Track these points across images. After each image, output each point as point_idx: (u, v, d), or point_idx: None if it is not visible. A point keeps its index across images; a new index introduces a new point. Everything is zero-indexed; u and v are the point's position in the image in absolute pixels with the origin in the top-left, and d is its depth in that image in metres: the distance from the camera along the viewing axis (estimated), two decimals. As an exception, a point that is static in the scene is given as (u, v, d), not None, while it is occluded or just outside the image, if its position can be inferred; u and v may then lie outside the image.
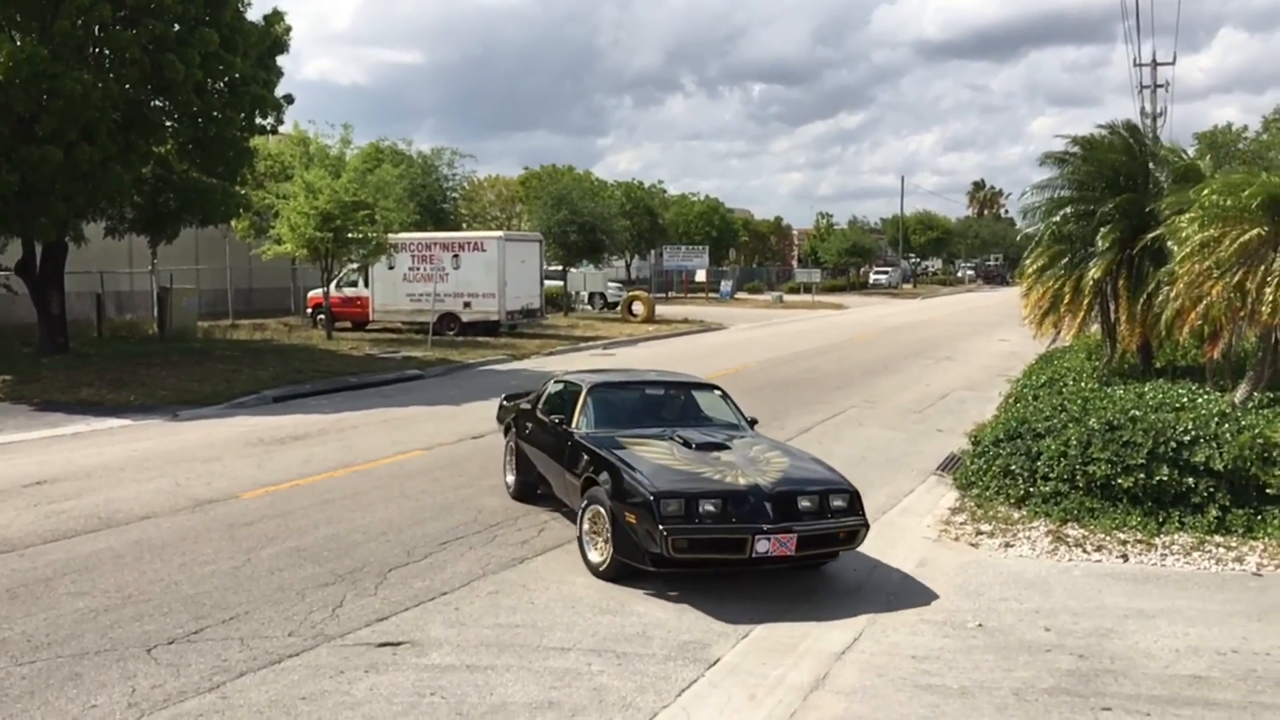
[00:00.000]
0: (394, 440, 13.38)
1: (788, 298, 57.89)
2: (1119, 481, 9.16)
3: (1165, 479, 9.03)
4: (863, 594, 7.70)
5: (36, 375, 18.10)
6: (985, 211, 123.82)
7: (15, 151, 16.99)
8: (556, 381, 10.21)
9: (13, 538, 8.58)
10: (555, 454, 9.01)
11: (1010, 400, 14.89)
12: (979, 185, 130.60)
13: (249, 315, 32.05)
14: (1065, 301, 14.19)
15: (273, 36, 21.16)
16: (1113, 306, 14.25)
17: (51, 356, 20.05)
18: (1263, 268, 10.73)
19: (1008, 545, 8.87)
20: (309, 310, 31.25)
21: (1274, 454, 8.93)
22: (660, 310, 40.21)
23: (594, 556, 7.83)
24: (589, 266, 45.43)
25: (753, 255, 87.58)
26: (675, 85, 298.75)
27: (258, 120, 21.34)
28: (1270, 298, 10.51)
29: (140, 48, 17.67)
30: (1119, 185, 14.09)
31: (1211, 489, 8.99)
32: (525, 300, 30.28)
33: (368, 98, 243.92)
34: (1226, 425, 9.32)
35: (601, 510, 7.68)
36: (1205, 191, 11.41)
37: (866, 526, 7.66)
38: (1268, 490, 8.88)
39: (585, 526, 7.95)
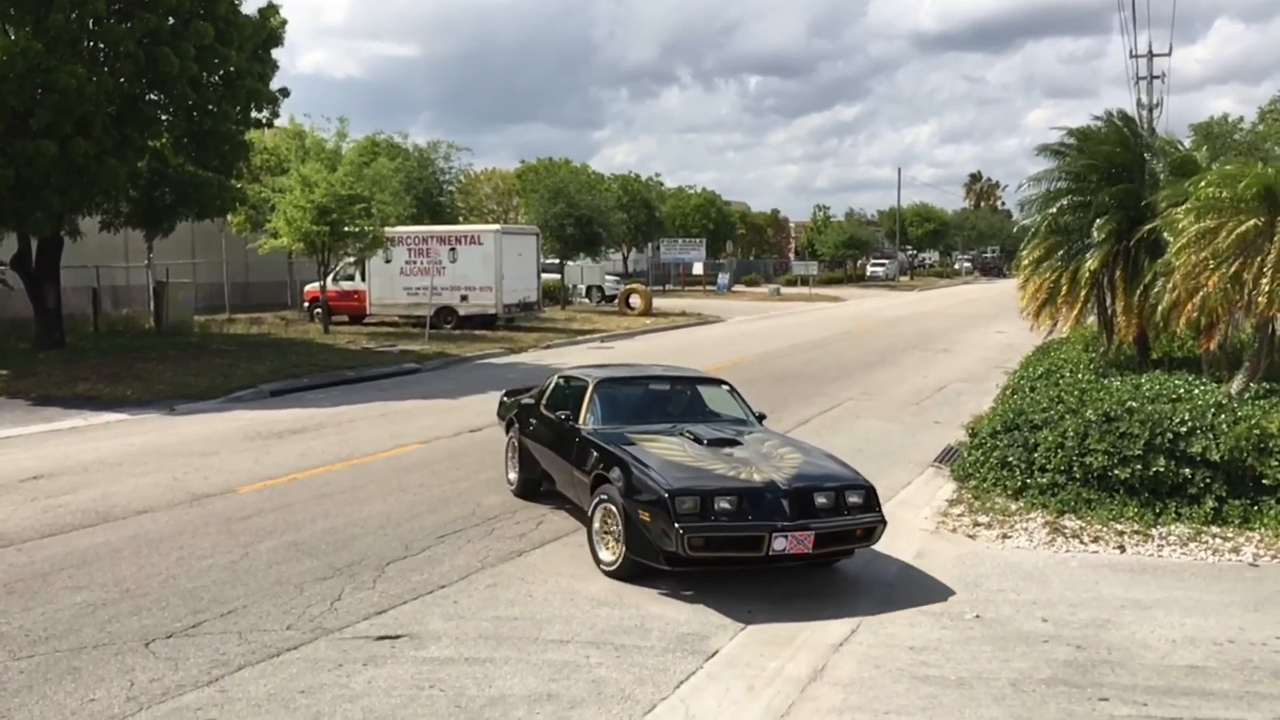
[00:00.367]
0: (391, 434, 13.38)
1: (785, 290, 57.90)
2: (1116, 473, 9.17)
3: (1162, 470, 9.04)
4: (860, 586, 7.71)
5: (33, 370, 18.07)
6: (982, 204, 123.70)
7: (10, 145, 16.94)
8: (560, 377, 10.04)
9: (10, 532, 8.57)
10: (562, 451, 8.86)
11: (1007, 392, 14.91)
12: (975, 177, 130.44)
13: (245, 309, 32.00)
14: (1062, 293, 14.19)
15: (268, 30, 21.13)
16: (1109, 298, 14.25)
17: (48, 351, 20.01)
18: (1259, 258, 10.74)
19: (1005, 537, 8.88)
20: (306, 304, 31.21)
21: (1270, 444, 8.95)
22: (657, 303, 40.20)
23: (605, 555, 7.67)
24: (586, 260, 45.43)
25: (750, 248, 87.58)
26: (671, 78, 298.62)
27: (253, 114, 21.32)
28: (1266, 288, 10.52)
29: (135, 41, 17.63)
30: (1115, 176, 14.09)
31: (1208, 480, 9.00)
32: (522, 293, 30.25)
33: (363, 91, 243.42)
34: (1223, 416, 9.33)
35: (613, 508, 7.53)
36: (1201, 184, 11.41)
37: (884, 523, 7.52)
38: (1264, 481, 8.90)
39: (596, 525, 7.78)
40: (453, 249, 29.31)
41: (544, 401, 9.83)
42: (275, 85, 21.80)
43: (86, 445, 12.48)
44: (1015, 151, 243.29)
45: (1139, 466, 9.09)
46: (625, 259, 58.79)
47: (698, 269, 58.91)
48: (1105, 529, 8.83)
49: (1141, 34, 51.80)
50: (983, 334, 29.75)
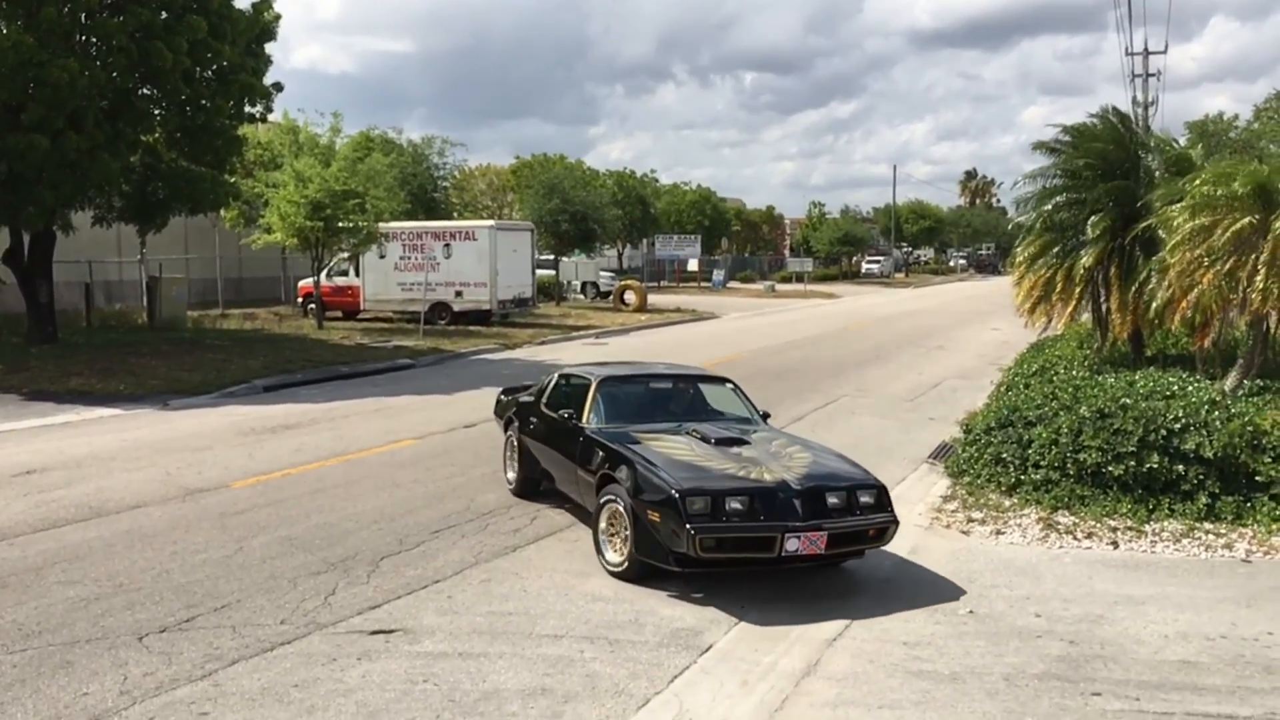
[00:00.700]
0: (386, 429, 13.36)
1: (780, 287, 57.89)
2: (1110, 469, 9.19)
3: (1155, 466, 9.06)
4: (855, 581, 7.72)
5: (25, 365, 18.02)
6: (977, 201, 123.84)
7: (1, 140, 16.88)
8: (560, 375, 9.89)
9: (2, 527, 8.55)
10: (565, 450, 8.71)
11: (1002, 388, 14.93)
12: (971, 174, 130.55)
13: (239, 305, 31.93)
14: (1057, 290, 14.22)
15: (261, 24, 21.06)
16: (1104, 295, 14.29)
17: (40, 346, 19.96)
18: (1254, 256, 10.77)
19: (999, 533, 8.90)
20: (299, 300, 31.16)
21: (1263, 441, 8.98)
22: (652, 299, 40.19)
23: (612, 556, 7.54)
24: (581, 256, 45.38)
25: (745, 244, 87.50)
26: (667, 74, 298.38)
27: (246, 108, 21.27)
28: (1260, 285, 10.55)
29: (127, 35, 17.57)
30: (1109, 174, 14.11)
31: (1201, 476, 9.02)
32: (517, 289, 30.22)
33: (357, 86, 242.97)
34: (1216, 413, 9.36)
35: (620, 508, 7.41)
36: (1197, 181, 11.44)
37: (896, 523, 7.44)
38: (1257, 477, 8.93)
39: (602, 525, 7.66)
40: (447, 245, 29.26)
41: (544, 400, 9.68)
42: (269, 80, 21.75)
43: (79, 440, 12.45)
44: (1011, 149, 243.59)
45: (1133, 463, 9.11)
46: (620, 255, 58.77)
47: (693, 265, 58.93)
48: (1099, 525, 8.85)
49: (1137, 31, 52.12)
50: (978, 331, 29.80)
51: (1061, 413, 9.86)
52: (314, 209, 24.04)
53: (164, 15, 18.22)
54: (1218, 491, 8.98)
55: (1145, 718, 5.39)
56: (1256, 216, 10.85)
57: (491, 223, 31.23)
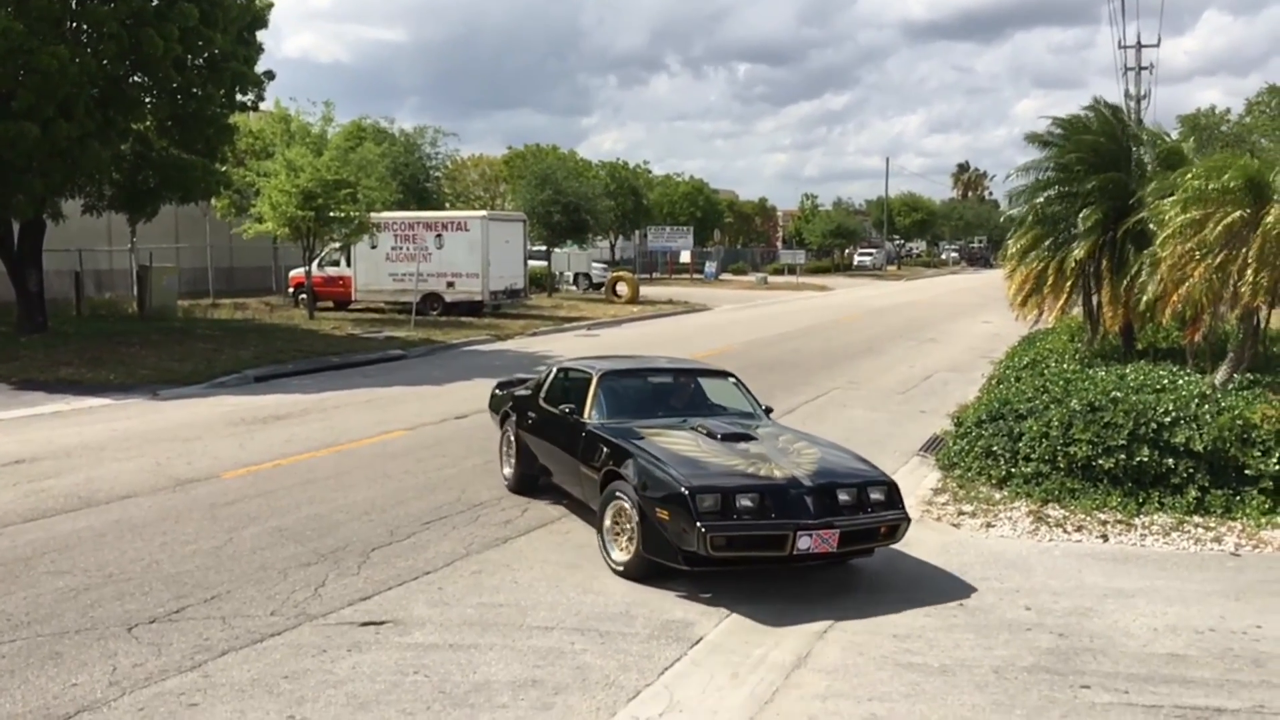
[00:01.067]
0: (377, 420, 13.34)
1: (772, 279, 57.92)
2: (1100, 462, 9.22)
3: (1145, 460, 9.09)
4: (845, 574, 7.73)
5: (15, 354, 17.93)
6: (969, 194, 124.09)
7: (-9, 127, 16.78)
8: (559, 369, 9.71)
9: (-9, 517, 8.52)
10: (566, 446, 8.55)
11: (993, 381, 14.97)
12: (963, 167, 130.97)
13: (230, 294, 31.81)
14: (1048, 283, 14.23)
15: (253, 12, 20.95)
16: (1095, 288, 14.31)
17: (30, 335, 19.85)
18: (1244, 249, 10.79)
19: (989, 525, 8.92)
20: (291, 289, 31.04)
21: (1253, 435, 9.01)
22: (645, 291, 40.18)
23: (617, 555, 7.37)
24: (573, 247, 45.30)
25: (737, 236, 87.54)
26: (660, 65, 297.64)
27: (238, 97, 21.18)
28: (1251, 279, 10.58)
29: (118, 22, 17.45)
30: (1101, 166, 14.12)
31: (1191, 470, 9.06)
32: (509, 280, 30.18)
33: (349, 75, 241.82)
34: (1206, 407, 9.39)
35: (626, 506, 7.25)
36: (1189, 175, 11.45)
37: (908, 520, 7.33)
38: (1246, 471, 8.96)
39: (607, 523, 7.49)
40: (439, 235, 29.19)
41: (543, 394, 9.48)
42: (260, 68, 21.67)
43: (69, 430, 12.40)
44: (1003, 142, 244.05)
45: (1123, 456, 9.14)
46: (612, 246, 58.65)
47: (685, 257, 58.91)
48: (1089, 518, 8.88)
49: (1130, 25, 52.11)
50: (969, 324, 29.85)
51: (1052, 406, 9.88)
52: (305, 198, 23.96)
53: (155, 2, 18.12)
54: (1207, 485, 9.02)
55: (1134, 710, 5.41)
56: (1247, 210, 10.87)
57: (483, 213, 31.15)
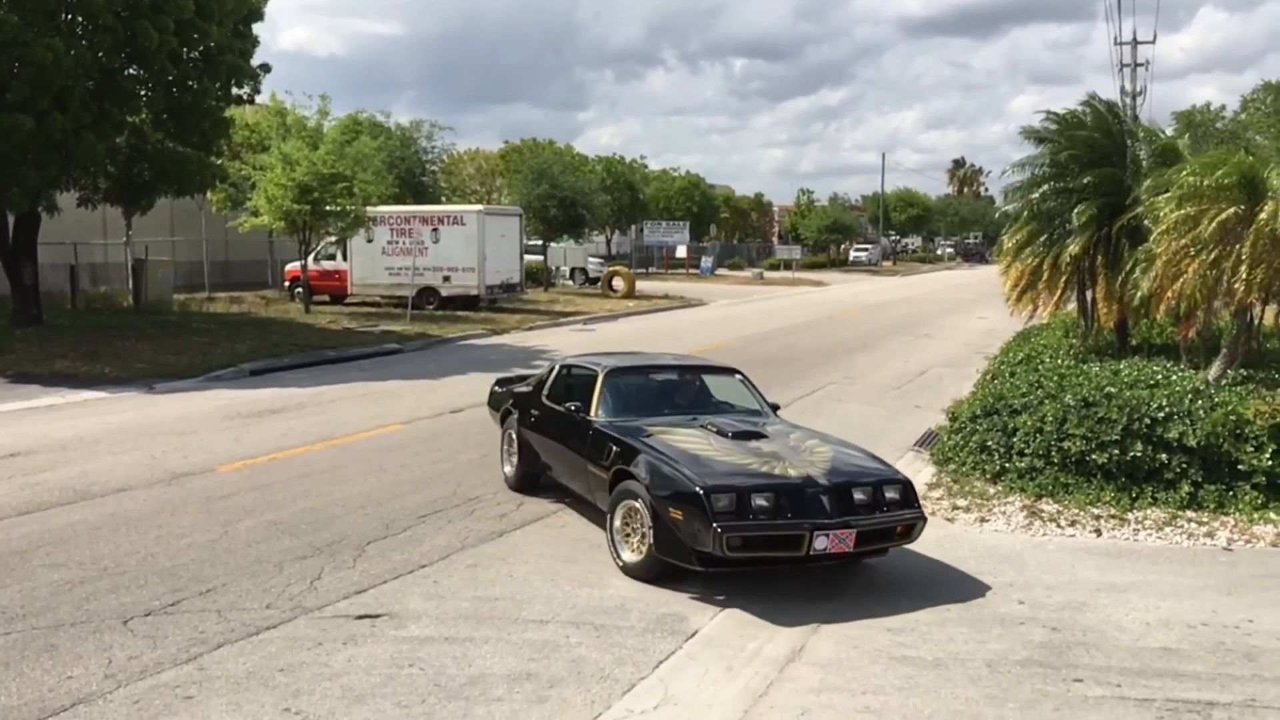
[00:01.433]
0: (373, 414, 13.34)
1: (768, 274, 57.95)
2: (1093, 457, 9.24)
3: (1139, 455, 9.12)
4: (840, 569, 7.71)
5: (10, 347, 17.91)
6: (965, 189, 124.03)
7: (-14, 120, 16.73)
8: (562, 366, 9.53)
9: (-14, 510, 8.51)
10: (572, 444, 8.36)
11: (988, 377, 14.99)
12: (959, 163, 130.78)
13: (225, 288, 31.75)
14: (1043, 279, 14.25)
15: (249, 5, 20.90)
16: (1090, 284, 14.33)
17: (25, 328, 19.83)
18: (1238, 246, 10.81)
19: (983, 520, 8.94)
20: (286, 283, 31.01)
21: (1246, 430, 9.04)
22: (641, 286, 40.16)
23: (628, 555, 7.23)
24: (569, 241, 45.27)
25: (734, 232, 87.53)
26: (656, 60, 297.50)
27: (234, 90, 21.13)
28: (1244, 275, 10.60)
29: (113, 14, 17.39)
30: (1096, 162, 14.13)
31: (1184, 465, 9.08)
32: (505, 275, 30.15)
33: (346, 69, 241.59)
34: (1200, 402, 9.41)
35: (637, 505, 7.09)
36: (1184, 172, 11.47)
37: (924, 520, 7.21)
38: (1239, 466, 8.99)
39: (617, 523, 7.33)
40: (435, 229, 29.17)
41: (545, 391, 9.32)
42: (256, 61, 21.63)
43: (64, 423, 12.39)
44: (999, 138, 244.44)
45: (1116, 451, 9.16)
46: (609, 241, 58.66)
47: (681, 252, 58.87)
48: (1082, 513, 8.91)
49: (1126, 21, 52.19)
50: (964, 319, 29.88)
51: (1046, 401, 9.90)
52: (301, 192, 23.91)
53: (150, -6, 18.05)
54: (1200, 480, 9.04)
55: (1126, 704, 5.44)
56: (1242, 207, 10.89)
57: (480, 208, 31.12)
